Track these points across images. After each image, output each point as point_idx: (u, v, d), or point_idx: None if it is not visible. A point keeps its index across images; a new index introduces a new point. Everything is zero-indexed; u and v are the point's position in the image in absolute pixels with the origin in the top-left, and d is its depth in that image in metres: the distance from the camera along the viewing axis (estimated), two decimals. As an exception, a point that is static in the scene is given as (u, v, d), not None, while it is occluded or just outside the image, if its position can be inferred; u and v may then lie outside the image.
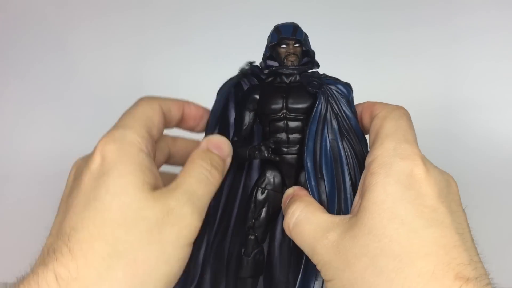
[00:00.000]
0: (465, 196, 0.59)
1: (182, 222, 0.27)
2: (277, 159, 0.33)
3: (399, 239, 0.25)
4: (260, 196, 0.34)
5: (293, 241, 0.32)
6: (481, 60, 0.62)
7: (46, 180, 0.61)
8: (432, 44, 0.62)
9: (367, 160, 0.29)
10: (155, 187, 0.28)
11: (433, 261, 0.24)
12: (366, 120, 0.33)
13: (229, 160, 0.33)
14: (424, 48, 0.62)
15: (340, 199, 0.31)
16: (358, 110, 0.34)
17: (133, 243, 0.25)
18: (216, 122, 0.35)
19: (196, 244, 0.33)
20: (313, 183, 0.31)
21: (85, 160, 0.29)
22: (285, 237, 0.35)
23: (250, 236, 0.33)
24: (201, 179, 0.30)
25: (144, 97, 0.33)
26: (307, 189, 0.32)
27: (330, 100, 0.32)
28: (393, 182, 0.27)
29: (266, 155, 0.32)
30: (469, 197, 0.56)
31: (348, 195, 0.32)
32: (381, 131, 0.30)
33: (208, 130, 0.35)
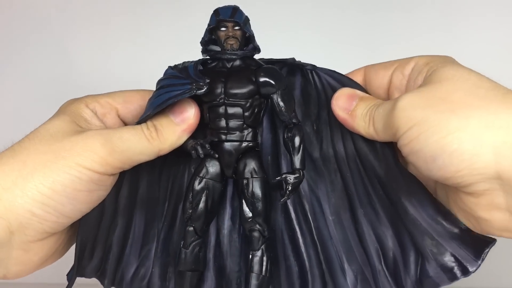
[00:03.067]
0: None
1: (85, 145, 0.28)
2: (216, 156, 0.32)
3: (487, 80, 0.27)
4: (198, 186, 0.32)
5: (242, 228, 0.33)
6: (481, 60, 0.61)
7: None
8: (432, 44, 0.61)
9: (403, 74, 0.32)
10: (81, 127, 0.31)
11: None
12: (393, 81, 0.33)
13: (190, 123, 0.31)
14: (424, 48, 0.62)
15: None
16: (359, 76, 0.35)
17: (31, 149, 0.28)
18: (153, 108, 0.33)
19: (147, 238, 0.34)
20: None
21: None
22: (234, 224, 0.35)
23: (188, 228, 0.32)
24: (135, 128, 0.30)
25: (141, 90, 0.35)
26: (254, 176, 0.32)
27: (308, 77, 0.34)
28: (450, 60, 0.29)
29: (202, 156, 0.32)
30: None
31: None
32: None
33: (143, 114, 0.32)
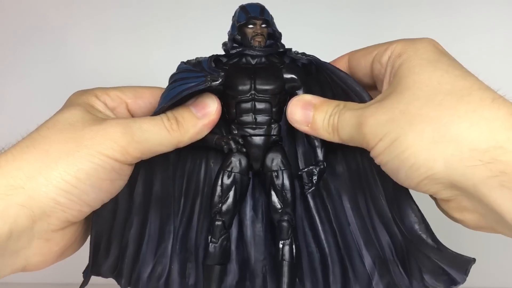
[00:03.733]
0: None
1: (107, 134, 0.29)
2: (244, 150, 0.33)
3: (448, 81, 0.27)
4: (227, 180, 0.33)
5: (266, 218, 0.34)
6: (481, 60, 0.61)
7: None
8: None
9: (380, 63, 0.31)
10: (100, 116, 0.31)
11: (489, 92, 0.26)
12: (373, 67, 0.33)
13: (211, 119, 0.32)
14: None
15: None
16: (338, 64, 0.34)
17: (52, 138, 0.28)
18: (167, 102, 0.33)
19: (162, 235, 0.34)
20: None
21: None
22: (257, 214, 0.36)
23: (216, 222, 0.33)
24: (154, 119, 0.31)
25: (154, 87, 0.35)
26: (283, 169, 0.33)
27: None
28: (423, 52, 0.29)
29: (234, 151, 0.33)
30: None
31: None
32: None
33: (158, 107, 0.33)
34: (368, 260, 0.34)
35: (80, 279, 0.67)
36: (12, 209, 0.27)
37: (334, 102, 0.31)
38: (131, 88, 0.35)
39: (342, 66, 0.35)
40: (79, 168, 0.28)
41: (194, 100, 0.32)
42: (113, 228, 0.33)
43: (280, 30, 0.35)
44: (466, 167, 0.25)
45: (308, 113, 0.31)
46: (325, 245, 0.34)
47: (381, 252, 0.33)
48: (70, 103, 0.32)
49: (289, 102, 0.32)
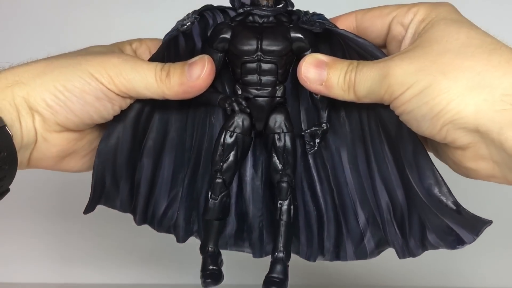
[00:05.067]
0: (465, 196, 0.58)
1: (102, 61, 0.33)
2: (248, 110, 0.33)
3: (476, 36, 0.29)
4: (229, 140, 0.33)
5: (265, 177, 0.36)
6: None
7: (44, 177, 0.61)
8: None
9: (400, 26, 0.32)
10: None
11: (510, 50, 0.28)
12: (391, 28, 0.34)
13: (200, 83, 0.32)
14: None
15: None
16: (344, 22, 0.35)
17: (60, 56, 0.34)
18: (163, 51, 0.34)
19: (175, 181, 0.37)
20: None
21: None
22: (257, 172, 0.37)
23: (217, 180, 0.34)
24: (149, 64, 0.33)
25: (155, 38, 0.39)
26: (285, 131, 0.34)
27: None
28: (444, 13, 0.30)
29: (238, 113, 0.33)
30: (470, 196, 0.56)
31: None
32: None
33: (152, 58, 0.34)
34: (362, 218, 0.35)
35: (80, 280, 0.67)
36: (17, 99, 0.32)
37: (347, 61, 0.32)
38: (156, 39, 0.38)
39: (349, 24, 0.35)
40: (67, 79, 0.32)
41: (193, 59, 0.32)
42: (117, 165, 0.35)
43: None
44: (496, 111, 0.26)
45: (322, 71, 0.31)
46: (322, 204, 0.36)
47: (378, 212, 0.35)
48: (107, 45, 0.37)
49: (301, 61, 0.32)
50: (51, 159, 0.34)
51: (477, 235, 0.31)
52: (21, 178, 0.60)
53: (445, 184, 0.31)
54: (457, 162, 0.30)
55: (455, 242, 0.32)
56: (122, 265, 0.61)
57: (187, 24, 0.31)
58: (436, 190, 0.31)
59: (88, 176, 0.35)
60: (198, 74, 0.32)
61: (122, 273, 0.63)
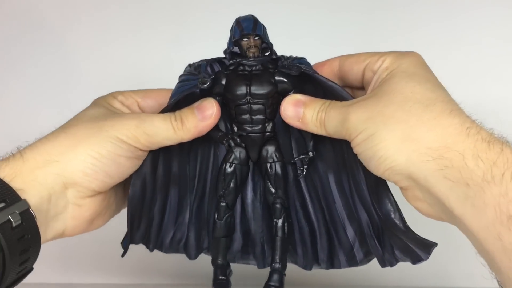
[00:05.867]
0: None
1: (124, 122, 0.36)
2: (243, 145, 0.39)
3: (419, 91, 0.33)
4: (229, 170, 0.39)
5: (264, 197, 0.41)
6: (481, 61, 0.61)
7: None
8: (432, 45, 0.62)
9: (370, 72, 0.37)
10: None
11: (450, 105, 0.33)
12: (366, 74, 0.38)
13: (210, 122, 0.37)
14: (424, 48, 0.62)
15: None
16: (327, 67, 0.40)
17: (78, 125, 0.36)
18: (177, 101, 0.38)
19: (181, 208, 0.42)
20: None
21: None
22: (256, 195, 0.42)
23: (221, 204, 0.40)
24: (164, 117, 0.37)
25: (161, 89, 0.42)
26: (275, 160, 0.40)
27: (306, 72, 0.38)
28: (406, 66, 0.35)
29: (233, 149, 0.39)
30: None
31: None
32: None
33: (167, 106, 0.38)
34: (350, 232, 0.40)
35: (80, 279, 0.67)
36: (50, 177, 0.34)
37: (321, 101, 0.37)
38: (142, 90, 0.42)
39: (333, 68, 0.40)
40: (101, 145, 0.35)
41: (199, 103, 0.38)
42: (143, 206, 0.40)
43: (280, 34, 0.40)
44: (421, 162, 0.31)
45: (299, 110, 0.37)
46: (314, 220, 0.41)
47: (361, 226, 0.40)
48: (93, 104, 0.40)
49: (282, 101, 0.37)
50: (85, 223, 0.37)
51: (429, 254, 0.36)
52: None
53: (399, 210, 0.36)
54: (406, 199, 0.35)
55: (416, 258, 0.37)
56: (122, 265, 0.61)
57: (208, 82, 0.37)
58: (392, 215, 0.36)
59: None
60: (210, 113, 0.37)
61: (122, 273, 0.64)
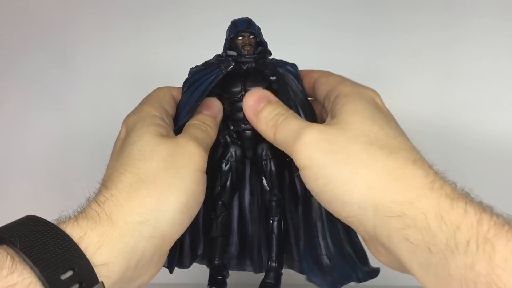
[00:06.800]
0: (464, 164, 0.58)
1: (190, 151, 0.33)
2: (239, 142, 0.40)
3: (382, 137, 0.31)
4: (225, 168, 0.40)
5: (261, 200, 0.40)
6: (481, 61, 0.61)
7: (47, 178, 0.61)
8: (432, 46, 0.61)
9: (329, 99, 0.35)
10: (166, 136, 0.34)
11: (412, 154, 0.30)
12: (320, 92, 0.37)
13: (219, 116, 0.38)
14: (424, 49, 0.62)
15: None
16: (308, 78, 0.39)
17: (152, 170, 0.31)
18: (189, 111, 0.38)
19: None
20: None
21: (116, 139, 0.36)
22: (253, 198, 0.42)
23: (218, 202, 0.40)
24: (198, 128, 0.36)
25: (158, 87, 0.39)
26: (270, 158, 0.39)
27: (285, 79, 0.38)
28: (365, 101, 0.33)
29: (230, 143, 0.39)
30: (469, 165, 0.56)
31: None
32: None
33: (182, 118, 0.37)
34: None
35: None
36: (141, 242, 0.29)
37: (285, 107, 0.35)
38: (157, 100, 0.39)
39: (311, 79, 0.39)
40: (187, 187, 0.32)
41: (202, 104, 0.38)
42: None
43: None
44: (386, 216, 0.28)
45: (260, 103, 0.36)
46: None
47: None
48: (134, 129, 0.34)
49: (252, 90, 0.37)
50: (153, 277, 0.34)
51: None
52: (24, 175, 0.60)
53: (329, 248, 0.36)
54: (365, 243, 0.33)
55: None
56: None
57: (232, 63, 0.37)
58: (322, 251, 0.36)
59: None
60: (219, 108, 0.39)
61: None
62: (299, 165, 0.32)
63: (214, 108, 0.38)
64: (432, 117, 0.61)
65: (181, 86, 0.39)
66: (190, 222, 0.33)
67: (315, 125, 0.32)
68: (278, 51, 0.40)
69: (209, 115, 0.37)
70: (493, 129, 0.61)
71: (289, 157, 0.38)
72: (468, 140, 0.61)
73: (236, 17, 0.39)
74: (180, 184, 0.31)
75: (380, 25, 0.62)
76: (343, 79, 0.36)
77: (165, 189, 0.31)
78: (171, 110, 0.38)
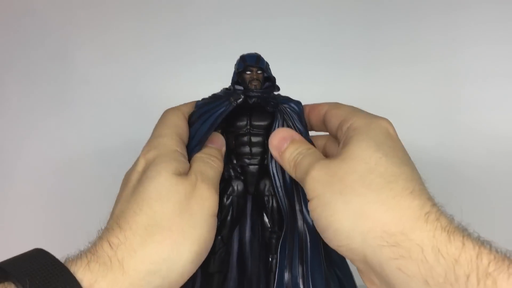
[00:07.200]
0: (464, 197, 0.58)
1: (204, 195, 0.33)
2: (242, 178, 0.39)
3: (384, 164, 0.30)
4: (226, 202, 0.39)
5: (262, 236, 0.39)
6: (481, 61, 0.61)
7: (46, 183, 0.61)
8: (431, 45, 0.62)
9: (341, 130, 0.35)
10: (183, 174, 0.34)
11: (412, 184, 0.30)
12: (331, 124, 0.37)
13: (223, 149, 0.38)
14: (423, 48, 0.62)
15: (300, 200, 0.37)
16: (316, 111, 0.39)
17: (168, 213, 0.31)
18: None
19: None
20: (278, 184, 0.38)
21: (132, 168, 0.35)
22: (254, 234, 0.41)
23: (217, 237, 0.38)
24: (206, 164, 0.35)
25: (168, 109, 0.39)
26: (272, 194, 0.38)
27: (285, 117, 0.38)
28: (374, 133, 0.33)
29: (233, 177, 0.39)
30: (469, 198, 0.56)
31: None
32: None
33: (189, 152, 0.37)
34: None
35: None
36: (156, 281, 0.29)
37: (308, 145, 0.36)
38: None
39: (321, 113, 0.39)
40: (200, 235, 0.32)
41: (210, 139, 0.38)
42: None
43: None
44: (377, 245, 0.28)
45: (283, 144, 0.36)
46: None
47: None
48: (153, 163, 0.33)
49: (277, 129, 0.37)
50: None
51: None
52: (24, 179, 0.60)
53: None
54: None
55: None
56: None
57: (241, 96, 0.37)
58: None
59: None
60: (222, 141, 0.39)
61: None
62: (308, 198, 0.32)
63: (218, 142, 0.38)
64: (432, 116, 0.62)
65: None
66: (197, 268, 0.32)
67: (322, 160, 0.33)
68: (282, 86, 0.40)
69: (215, 148, 0.38)
70: (493, 128, 0.61)
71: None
72: (469, 139, 0.61)
73: (236, 53, 0.39)
74: (194, 232, 0.31)
75: (378, 23, 0.62)
76: (354, 110, 0.36)
77: (179, 237, 0.30)
78: (187, 138, 0.37)
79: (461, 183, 0.60)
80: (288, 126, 0.38)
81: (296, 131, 0.38)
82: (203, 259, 0.32)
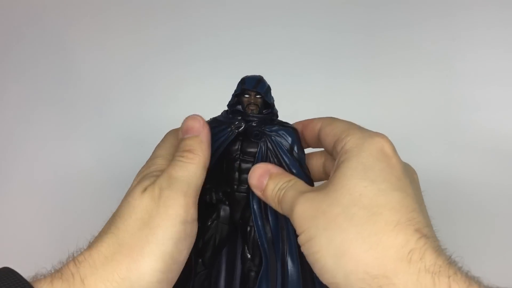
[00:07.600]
0: (464, 197, 0.58)
1: (166, 203, 0.31)
2: (227, 203, 0.37)
3: (369, 194, 0.29)
4: (211, 225, 0.37)
5: (242, 266, 0.37)
6: (481, 61, 0.61)
7: (46, 184, 0.61)
8: (432, 45, 0.61)
9: (336, 151, 0.33)
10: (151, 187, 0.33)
11: (398, 215, 0.28)
12: (327, 141, 0.35)
13: (205, 131, 0.34)
14: (424, 48, 0.62)
15: (283, 238, 0.36)
16: (310, 128, 0.37)
17: (130, 231, 0.30)
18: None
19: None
20: (259, 222, 0.36)
21: None
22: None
23: (198, 259, 0.37)
24: (175, 165, 0.33)
25: (171, 130, 0.38)
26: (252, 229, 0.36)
27: (270, 145, 0.36)
28: (365, 155, 0.31)
29: (214, 202, 0.37)
30: (469, 197, 0.56)
31: (292, 236, 0.35)
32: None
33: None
34: None
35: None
36: None
37: (287, 177, 0.34)
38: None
39: (315, 129, 0.37)
40: (164, 251, 0.30)
41: (182, 129, 0.35)
42: None
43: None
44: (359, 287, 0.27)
45: (263, 181, 0.35)
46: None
47: None
48: (130, 188, 0.34)
49: (252, 168, 0.35)
50: None
51: None
52: (21, 179, 0.60)
53: None
54: None
55: None
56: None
57: (243, 124, 0.36)
58: None
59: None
60: (193, 123, 0.35)
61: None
62: (296, 233, 0.31)
63: (193, 127, 0.35)
64: (432, 116, 0.61)
65: None
66: (172, 284, 0.32)
67: (306, 193, 0.32)
68: (279, 95, 0.39)
69: (191, 137, 0.34)
70: (493, 128, 0.61)
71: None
72: (468, 139, 0.60)
73: (232, 75, 0.38)
74: (156, 249, 0.30)
75: (379, 22, 0.62)
76: (349, 127, 0.34)
77: (138, 255, 0.29)
78: None
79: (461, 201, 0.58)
80: (273, 155, 0.36)
81: (281, 161, 0.36)
82: (175, 277, 0.31)
